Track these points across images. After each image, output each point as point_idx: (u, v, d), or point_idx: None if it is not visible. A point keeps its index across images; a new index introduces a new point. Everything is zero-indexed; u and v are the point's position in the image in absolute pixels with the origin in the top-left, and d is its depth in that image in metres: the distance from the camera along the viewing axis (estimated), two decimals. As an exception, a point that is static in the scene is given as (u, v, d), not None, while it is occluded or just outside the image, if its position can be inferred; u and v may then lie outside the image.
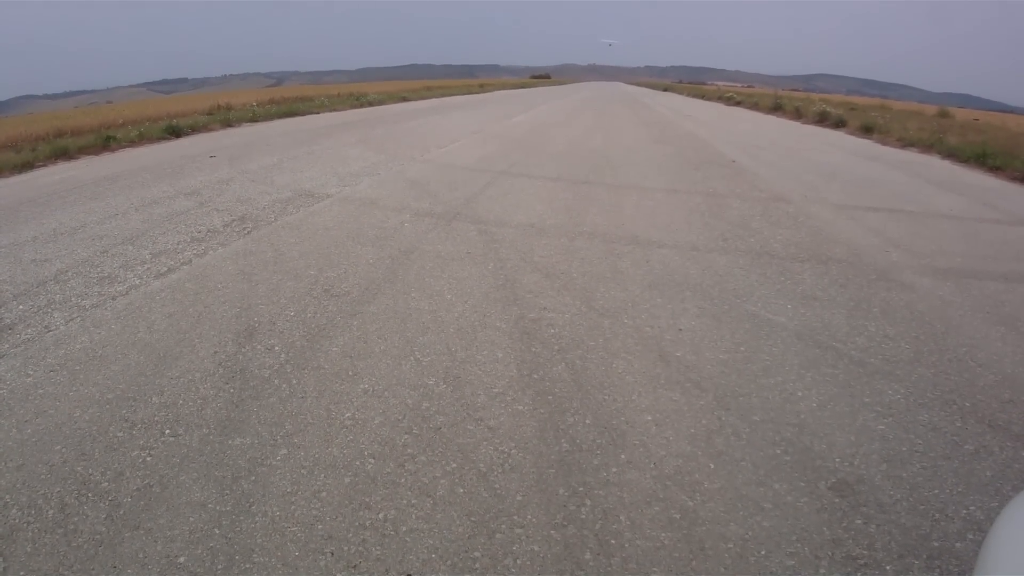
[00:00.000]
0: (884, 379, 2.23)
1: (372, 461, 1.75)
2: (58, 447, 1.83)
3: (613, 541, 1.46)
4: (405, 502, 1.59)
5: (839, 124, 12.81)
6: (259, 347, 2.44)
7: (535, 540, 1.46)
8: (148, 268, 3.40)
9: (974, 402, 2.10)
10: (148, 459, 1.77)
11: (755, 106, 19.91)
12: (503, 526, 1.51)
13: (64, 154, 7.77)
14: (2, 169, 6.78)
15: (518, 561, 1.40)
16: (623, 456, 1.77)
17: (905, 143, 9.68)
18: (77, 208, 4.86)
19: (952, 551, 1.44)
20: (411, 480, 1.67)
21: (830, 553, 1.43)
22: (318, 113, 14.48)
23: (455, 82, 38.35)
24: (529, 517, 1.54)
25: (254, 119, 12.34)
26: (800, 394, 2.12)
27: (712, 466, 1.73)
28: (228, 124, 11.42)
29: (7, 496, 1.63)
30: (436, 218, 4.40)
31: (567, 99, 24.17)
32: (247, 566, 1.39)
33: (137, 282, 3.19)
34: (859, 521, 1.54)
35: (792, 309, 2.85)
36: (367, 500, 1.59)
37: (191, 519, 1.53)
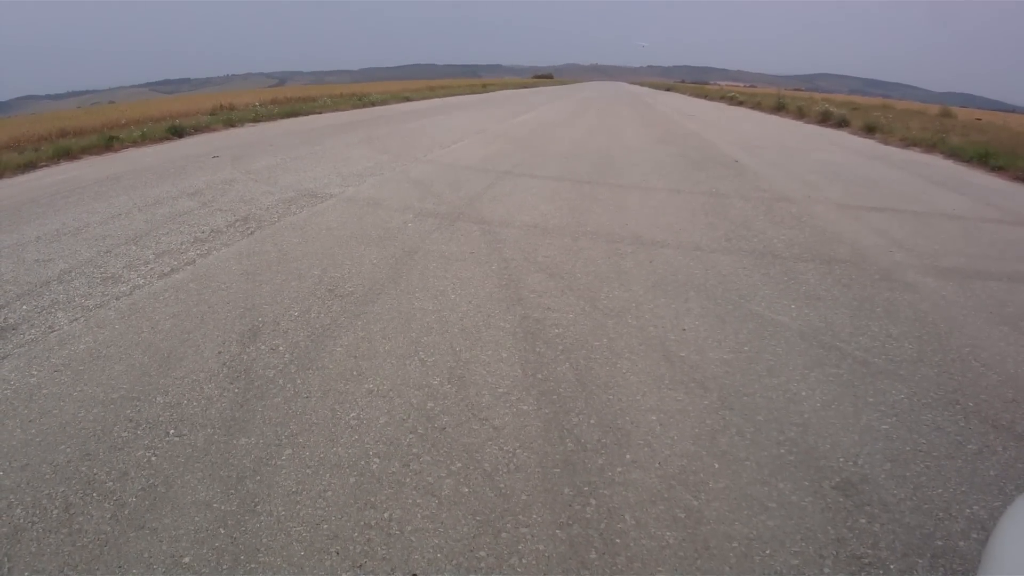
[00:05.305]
0: (888, 379, 2.23)
1: (377, 461, 1.75)
2: (63, 447, 1.84)
3: (618, 540, 1.46)
4: (410, 502, 1.59)
5: (842, 124, 12.79)
6: (263, 347, 2.45)
7: (540, 539, 1.47)
8: (152, 268, 3.41)
9: (977, 402, 2.10)
10: (153, 459, 1.77)
11: (758, 106, 19.89)
12: (508, 525, 1.51)
13: (67, 154, 7.80)
14: (5, 169, 6.81)
15: (524, 560, 1.40)
16: (628, 456, 1.78)
17: (908, 143, 9.66)
18: (80, 208, 4.87)
19: (956, 550, 1.44)
20: (416, 480, 1.67)
21: (834, 552, 1.43)
22: (320, 113, 14.51)
23: (458, 82, 38.33)
24: (534, 516, 1.54)
25: (257, 119, 12.37)
26: (804, 394, 2.11)
27: (717, 466, 1.73)
28: (231, 124, 11.45)
29: (12, 496, 1.63)
30: (440, 218, 4.40)
31: (570, 99, 24.16)
32: (252, 566, 1.39)
33: (141, 282, 3.20)
34: (863, 520, 1.54)
35: (796, 309, 2.85)
36: (372, 500, 1.60)
37: (196, 519, 1.53)
